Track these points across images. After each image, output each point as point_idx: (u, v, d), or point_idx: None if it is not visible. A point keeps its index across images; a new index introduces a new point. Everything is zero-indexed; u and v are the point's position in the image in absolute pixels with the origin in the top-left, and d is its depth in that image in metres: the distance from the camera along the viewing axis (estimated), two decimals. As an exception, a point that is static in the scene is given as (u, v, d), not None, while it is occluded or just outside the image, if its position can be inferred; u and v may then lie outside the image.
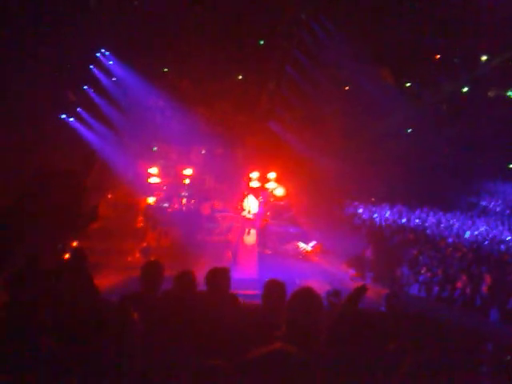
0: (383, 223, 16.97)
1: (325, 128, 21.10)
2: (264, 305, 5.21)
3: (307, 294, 3.24)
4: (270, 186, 19.09)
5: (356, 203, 19.58)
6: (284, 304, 4.86)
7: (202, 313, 4.33)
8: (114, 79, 19.42)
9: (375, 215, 18.10)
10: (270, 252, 14.94)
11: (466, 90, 22.59)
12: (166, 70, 22.02)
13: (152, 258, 13.18)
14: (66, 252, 10.80)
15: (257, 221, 15.57)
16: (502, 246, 14.58)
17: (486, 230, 16.40)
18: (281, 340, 2.90)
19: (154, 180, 18.52)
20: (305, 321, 3.03)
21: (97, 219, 14.18)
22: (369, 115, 21.20)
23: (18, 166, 11.82)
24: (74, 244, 12.55)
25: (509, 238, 15.66)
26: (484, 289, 10.86)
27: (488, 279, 11.41)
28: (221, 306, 4.58)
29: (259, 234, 15.33)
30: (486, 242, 14.91)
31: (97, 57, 18.72)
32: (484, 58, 21.10)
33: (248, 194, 17.56)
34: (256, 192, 18.05)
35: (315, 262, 14.60)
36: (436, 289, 11.85)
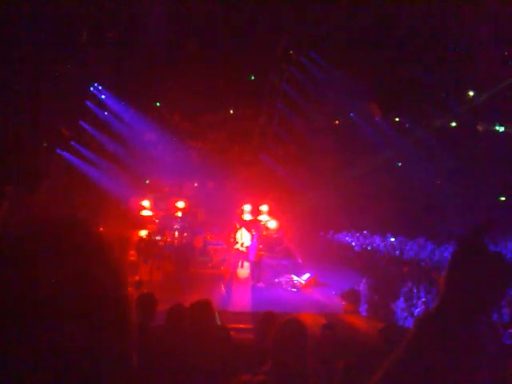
0: (377, 256, 16.94)
1: (316, 162, 21.30)
2: (256, 337, 5.12)
3: (293, 325, 3.14)
4: (263, 218, 19.09)
5: (349, 236, 19.59)
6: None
7: (188, 347, 4.26)
8: (106, 113, 19.63)
9: (369, 247, 18.09)
10: (263, 285, 14.81)
11: (454, 124, 23.04)
12: (158, 104, 22.27)
13: (144, 292, 13.04)
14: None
15: (250, 254, 15.47)
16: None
17: None
18: (266, 374, 2.83)
19: (146, 213, 18.46)
20: (290, 354, 2.91)
21: None
22: (360, 150, 21.49)
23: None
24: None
25: None
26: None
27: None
28: (204, 338, 4.50)
29: (253, 267, 15.22)
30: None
31: (91, 91, 18.94)
32: (471, 93, 21.59)
33: (241, 226, 17.52)
34: (249, 225, 18.02)
35: (309, 294, 14.47)
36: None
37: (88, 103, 18.99)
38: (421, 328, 1.02)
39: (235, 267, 16.17)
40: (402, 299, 12.80)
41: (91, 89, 18.98)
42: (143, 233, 17.76)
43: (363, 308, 13.57)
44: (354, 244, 18.63)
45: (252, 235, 16.45)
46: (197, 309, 4.70)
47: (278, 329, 3.12)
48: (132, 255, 16.66)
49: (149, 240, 17.05)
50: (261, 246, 17.29)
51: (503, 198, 22.36)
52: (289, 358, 2.87)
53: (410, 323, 12.37)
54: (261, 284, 14.82)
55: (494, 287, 1.03)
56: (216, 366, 4.00)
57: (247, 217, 18.76)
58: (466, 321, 1.00)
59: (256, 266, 15.14)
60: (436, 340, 0.98)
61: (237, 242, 16.84)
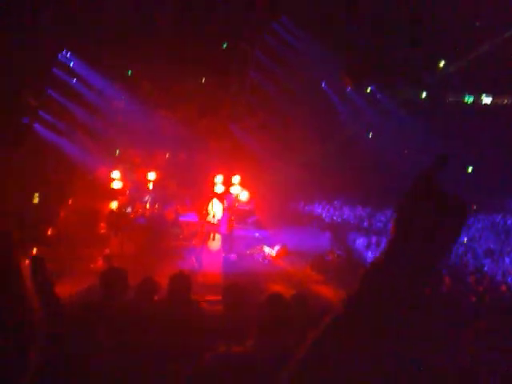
0: (346, 227, 17.24)
1: (287, 133, 21.28)
2: (225, 309, 5.19)
3: (277, 301, 3.21)
4: (235, 190, 19.08)
5: (320, 207, 19.78)
6: (244, 308, 4.87)
7: (161, 320, 4.29)
8: (75, 81, 19.11)
9: (338, 219, 18.36)
10: (235, 256, 14.93)
11: (424, 95, 23.23)
12: (129, 72, 21.75)
13: (115, 265, 12.99)
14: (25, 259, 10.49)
15: (222, 226, 15.51)
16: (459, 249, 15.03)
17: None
18: (250, 347, 2.89)
19: (116, 185, 18.19)
20: (277, 329, 2.98)
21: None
22: (330, 120, 21.53)
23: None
24: (34, 251, 12.23)
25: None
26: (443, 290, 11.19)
27: (447, 280, 11.78)
28: (181, 312, 4.55)
29: (225, 240, 15.28)
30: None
31: (58, 58, 18.37)
32: (442, 63, 21.73)
33: (212, 198, 17.50)
34: (220, 196, 18.00)
35: (280, 265, 14.67)
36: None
37: (56, 71, 18.42)
38: (367, 279, 0.93)
39: (207, 239, 16.21)
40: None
41: (59, 56, 18.39)
42: (114, 205, 17.57)
43: (332, 278, 13.86)
44: (324, 215, 18.85)
45: (224, 207, 16.48)
46: (175, 282, 4.74)
47: (262, 304, 3.17)
48: (102, 228, 16.52)
49: (119, 212, 16.90)
50: (233, 218, 17.36)
51: (470, 170, 22.83)
52: (275, 332, 2.94)
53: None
54: (232, 255, 14.94)
55: (445, 231, 0.94)
56: (191, 339, 4.05)
57: (219, 188, 18.71)
58: (416, 270, 0.91)
59: (227, 238, 15.23)
60: (383, 292, 0.90)
61: (208, 214, 16.85)
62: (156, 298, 5.07)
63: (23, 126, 17.08)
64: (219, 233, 15.90)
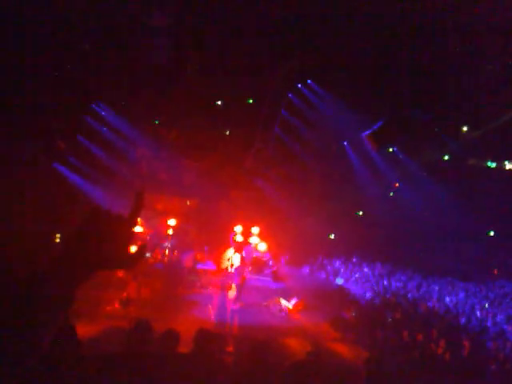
0: (366, 285, 17.04)
1: (309, 188, 21.51)
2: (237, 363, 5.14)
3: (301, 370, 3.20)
4: (253, 240, 19.14)
5: (338, 262, 19.65)
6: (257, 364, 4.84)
7: (186, 374, 4.30)
8: (105, 129, 19.84)
9: (356, 275, 18.17)
10: (238, 306, 14.64)
11: (446, 158, 23.41)
12: (156, 121, 22.46)
13: (131, 309, 13.00)
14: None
15: (236, 276, 15.45)
16: (478, 313, 14.69)
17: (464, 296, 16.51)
18: None
19: (137, 229, 18.40)
20: None
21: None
22: (352, 179, 21.78)
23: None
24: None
25: (486, 305, 15.79)
26: (464, 354, 10.91)
27: (467, 345, 11.48)
28: (206, 367, 4.56)
29: (238, 289, 15.17)
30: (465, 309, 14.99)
31: (92, 107, 19.18)
32: (465, 128, 22.03)
33: (231, 247, 17.58)
34: (239, 246, 18.07)
35: (297, 319, 14.49)
36: (416, 353, 11.82)
37: (88, 119, 19.20)
38: None
39: (225, 288, 16.18)
40: (387, 329, 12.89)
41: (93, 105, 19.21)
42: (133, 249, 17.67)
43: (349, 335, 13.63)
44: (342, 271, 18.67)
45: (241, 257, 16.51)
46: (202, 337, 4.77)
47: (289, 371, 3.15)
48: (120, 271, 16.59)
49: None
50: (250, 268, 17.34)
51: (492, 233, 22.63)
52: None
53: (395, 353, 12.44)
54: (237, 305, 14.73)
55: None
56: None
57: (238, 238, 18.82)
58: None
59: (239, 288, 15.10)
60: None
61: (226, 263, 16.91)
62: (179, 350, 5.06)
63: (52, 168, 17.64)
64: (234, 282, 15.85)
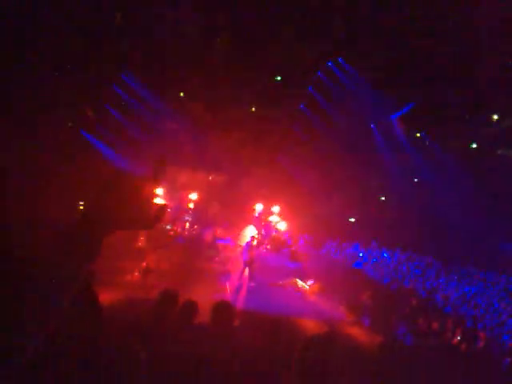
0: (384, 271, 16.96)
1: (334, 170, 21.29)
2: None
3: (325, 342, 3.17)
4: (273, 219, 19.16)
5: (358, 245, 19.57)
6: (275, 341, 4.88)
7: (201, 347, 4.35)
8: (133, 99, 19.89)
9: (375, 260, 18.10)
10: (253, 286, 14.60)
11: (474, 146, 22.88)
12: (182, 94, 22.38)
13: (150, 279, 13.20)
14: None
15: (244, 253, 15.23)
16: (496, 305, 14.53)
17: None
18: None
19: (159, 201, 18.50)
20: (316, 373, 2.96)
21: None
22: (377, 162, 21.46)
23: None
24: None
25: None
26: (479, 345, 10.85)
27: (483, 336, 11.41)
28: (222, 340, 4.61)
29: (245, 266, 14.98)
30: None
31: (121, 77, 19.20)
32: (495, 116, 21.43)
33: (251, 224, 17.62)
34: (258, 223, 18.10)
35: (312, 300, 14.53)
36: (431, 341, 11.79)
37: (117, 89, 19.23)
38: None
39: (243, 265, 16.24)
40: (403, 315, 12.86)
41: (122, 76, 19.23)
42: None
43: (366, 320, 13.64)
44: (361, 254, 18.60)
45: (253, 235, 16.38)
46: (219, 311, 4.83)
47: (306, 345, 3.13)
48: (141, 241, 16.82)
49: (159, 228, 17.18)
50: (268, 247, 17.37)
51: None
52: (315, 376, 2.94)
53: (408, 340, 12.43)
54: (252, 284, 14.68)
55: None
56: (232, 368, 4.10)
57: (258, 215, 18.85)
58: None
59: (249, 266, 14.87)
60: None
61: (243, 239, 16.94)
62: (196, 321, 5.14)
63: (80, 137, 17.83)
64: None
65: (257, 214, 18.83)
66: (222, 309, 4.92)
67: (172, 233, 17.66)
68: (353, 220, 22.13)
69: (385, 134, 22.49)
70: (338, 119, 22.22)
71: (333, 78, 21.63)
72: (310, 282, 15.38)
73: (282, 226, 19.12)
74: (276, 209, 19.43)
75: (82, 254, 1.35)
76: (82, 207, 16.51)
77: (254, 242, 15.92)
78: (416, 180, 23.21)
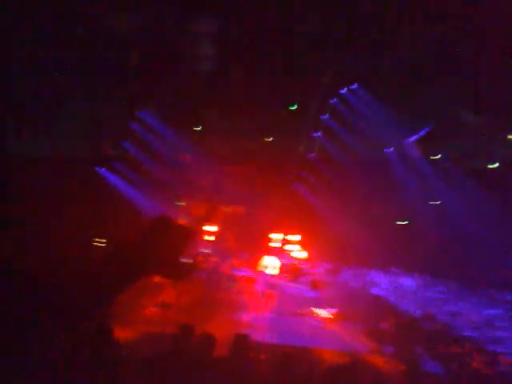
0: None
1: (350, 196, 21.21)
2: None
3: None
4: (292, 247, 19.11)
5: (375, 272, 19.35)
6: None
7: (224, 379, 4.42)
8: (151, 135, 20.34)
9: (395, 285, 17.85)
10: (271, 314, 14.56)
11: (495, 166, 22.58)
12: (199, 127, 22.70)
13: (168, 314, 13.27)
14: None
15: (259, 283, 15.31)
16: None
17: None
18: None
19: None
20: None
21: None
22: (395, 187, 21.32)
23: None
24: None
25: None
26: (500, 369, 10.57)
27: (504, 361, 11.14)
28: (242, 371, 4.68)
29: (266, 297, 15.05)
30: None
31: (138, 115, 19.72)
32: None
33: (269, 254, 17.62)
34: (277, 253, 18.09)
35: (331, 329, 14.37)
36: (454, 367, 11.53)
37: (134, 126, 19.72)
38: None
39: (260, 295, 16.24)
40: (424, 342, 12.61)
41: (138, 113, 19.73)
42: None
43: (388, 349, 13.41)
44: (381, 281, 18.35)
45: (270, 265, 16.43)
46: (238, 343, 4.94)
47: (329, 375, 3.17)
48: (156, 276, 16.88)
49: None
50: (286, 276, 17.33)
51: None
52: None
53: (432, 367, 12.18)
54: (270, 314, 14.61)
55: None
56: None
57: (276, 245, 18.85)
58: None
59: (267, 296, 15.00)
60: None
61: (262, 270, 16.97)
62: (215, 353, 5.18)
63: (98, 175, 18.26)
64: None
65: (275, 244, 18.82)
66: (241, 342, 5.00)
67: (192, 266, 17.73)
68: (371, 245, 21.87)
69: (403, 157, 22.40)
70: (354, 145, 22.25)
71: (348, 104, 21.75)
72: (330, 311, 15.25)
73: (301, 254, 19.06)
74: (294, 237, 19.41)
75: (107, 289, 1.42)
76: (98, 243, 16.78)
77: (272, 272, 15.94)
78: (435, 203, 22.96)
